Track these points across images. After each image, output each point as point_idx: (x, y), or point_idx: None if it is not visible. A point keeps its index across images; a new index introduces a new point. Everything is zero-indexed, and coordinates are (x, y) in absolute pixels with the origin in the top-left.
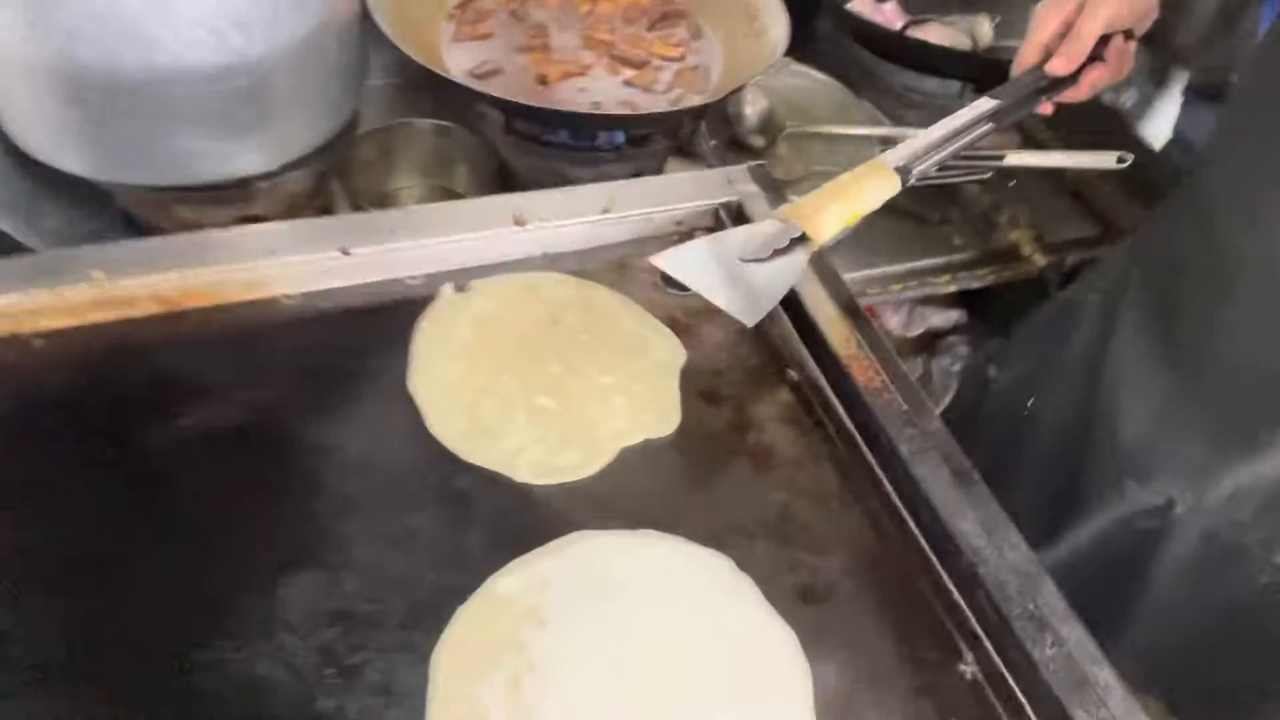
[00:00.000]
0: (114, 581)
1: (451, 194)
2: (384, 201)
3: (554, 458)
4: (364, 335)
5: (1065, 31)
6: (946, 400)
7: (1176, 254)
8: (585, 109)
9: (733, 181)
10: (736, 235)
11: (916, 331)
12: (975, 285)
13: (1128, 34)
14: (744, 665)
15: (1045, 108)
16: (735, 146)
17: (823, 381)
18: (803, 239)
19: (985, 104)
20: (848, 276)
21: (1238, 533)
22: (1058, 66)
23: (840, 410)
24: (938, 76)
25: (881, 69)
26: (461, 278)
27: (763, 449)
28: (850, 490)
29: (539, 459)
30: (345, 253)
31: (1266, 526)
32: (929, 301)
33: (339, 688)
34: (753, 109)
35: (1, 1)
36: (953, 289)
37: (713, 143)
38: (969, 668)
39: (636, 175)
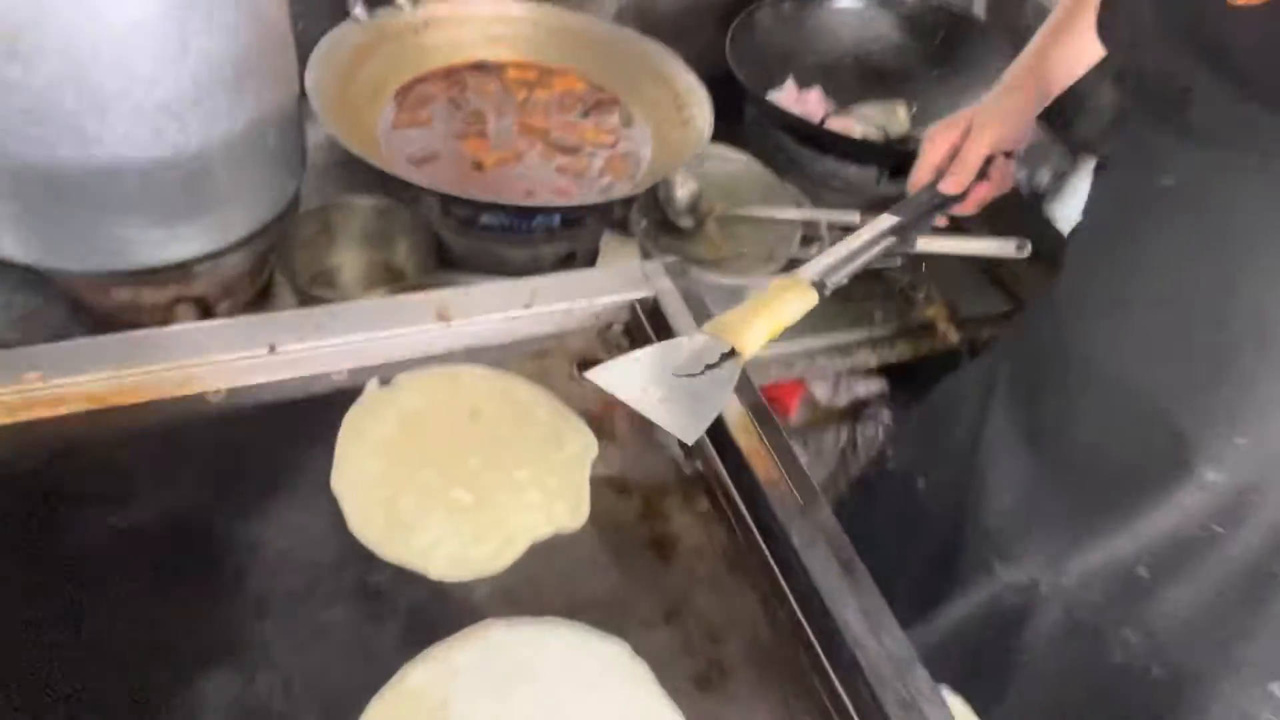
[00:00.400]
0: (28, 681)
1: (390, 268)
2: (323, 277)
3: (468, 551)
4: (289, 431)
5: (954, 154)
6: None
7: (1037, 348)
8: (519, 195)
9: (649, 277)
10: (669, 349)
11: (843, 401)
12: (895, 359)
13: (1008, 154)
14: None
15: (940, 221)
16: (666, 227)
17: (725, 474)
18: (731, 353)
19: (887, 221)
20: (779, 350)
21: (1092, 613)
22: (949, 187)
23: (740, 502)
24: (856, 164)
25: (804, 155)
26: (387, 372)
27: (667, 538)
28: (746, 579)
29: (454, 553)
30: (273, 350)
31: (1116, 608)
32: (854, 372)
33: None
34: (683, 191)
35: None
36: (874, 363)
37: (644, 223)
38: None
39: (570, 255)
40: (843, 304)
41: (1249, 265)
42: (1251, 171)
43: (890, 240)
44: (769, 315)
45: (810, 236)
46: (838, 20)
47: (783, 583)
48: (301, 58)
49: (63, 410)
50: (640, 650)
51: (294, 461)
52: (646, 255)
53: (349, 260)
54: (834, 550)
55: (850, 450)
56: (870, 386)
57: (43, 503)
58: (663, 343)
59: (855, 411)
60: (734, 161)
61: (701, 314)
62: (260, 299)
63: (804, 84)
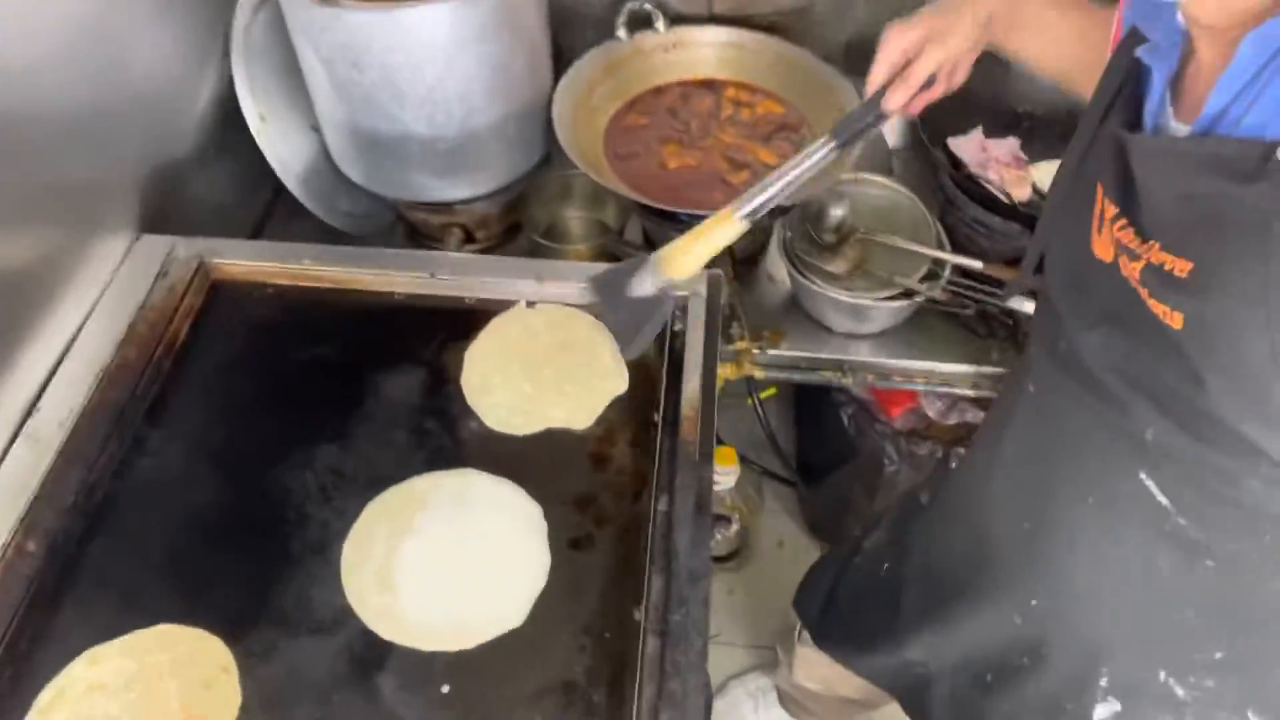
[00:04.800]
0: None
1: (603, 224)
2: (557, 223)
3: (510, 418)
4: (443, 327)
5: (906, 61)
6: None
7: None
8: (679, 197)
9: (700, 283)
10: (629, 271)
11: (952, 421)
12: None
13: None
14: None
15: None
16: (809, 239)
17: (662, 426)
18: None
19: (824, 147)
20: (904, 364)
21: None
22: (891, 103)
23: (659, 450)
24: (1001, 218)
25: (959, 199)
26: (496, 306)
27: (607, 455)
28: (637, 498)
29: (502, 416)
30: (432, 275)
31: (979, 692)
32: (969, 399)
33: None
34: (836, 210)
35: (334, 100)
36: (978, 394)
37: (788, 234)
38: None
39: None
40: (968, 337)
41: (1062, 475)
42: (1085, 399)
43: (827, 159)
44: (702, 245)
45: (935, 272)
46: None
47: (654, 505)
48: (568, 62)
49: (310, 284)
50: (548, 515)
51: (438, 349)
52: (790, 258)
53: (576, 215)
54: (698, 500)
55: (942, 464)
56: (980, 416)
57: (279, 331)
58: (628, 262)
59: (963, 435)
60: (893, 193)
61: (715, 322)
62: (507, 235)
63: (1006, 130)
